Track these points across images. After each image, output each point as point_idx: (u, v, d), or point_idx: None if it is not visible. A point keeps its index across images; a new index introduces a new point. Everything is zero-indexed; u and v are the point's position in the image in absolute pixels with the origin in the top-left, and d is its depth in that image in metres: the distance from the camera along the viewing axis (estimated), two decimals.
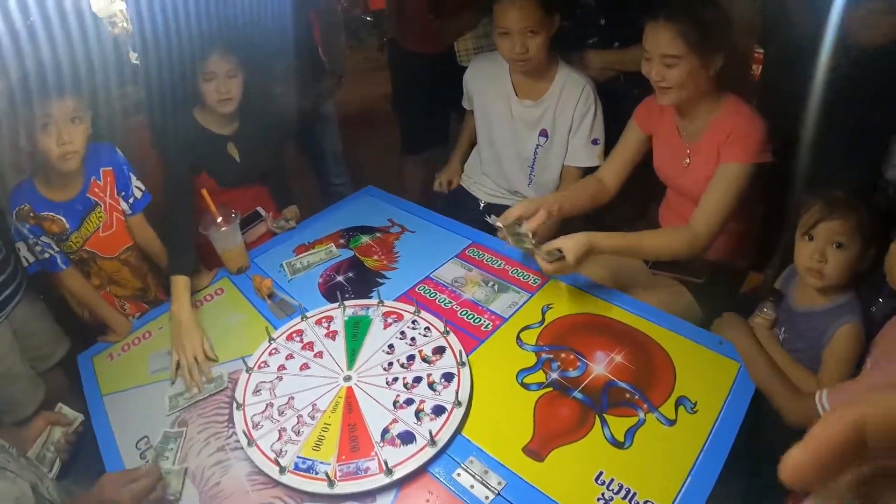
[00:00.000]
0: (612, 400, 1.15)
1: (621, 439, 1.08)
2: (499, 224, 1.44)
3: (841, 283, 1.17)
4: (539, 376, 1.22)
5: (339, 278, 1.59)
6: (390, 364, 1.28)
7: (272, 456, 1.12)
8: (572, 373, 1.22)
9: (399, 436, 1.12)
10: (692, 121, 1.47)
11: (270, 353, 1.36)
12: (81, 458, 1.27)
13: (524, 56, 1.64)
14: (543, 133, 1.80)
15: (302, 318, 1.44)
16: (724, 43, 1.34)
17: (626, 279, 1.57)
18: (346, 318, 1.42)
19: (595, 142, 1.77)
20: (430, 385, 1.22)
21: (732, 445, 1.04)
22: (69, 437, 1.26)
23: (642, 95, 1.58)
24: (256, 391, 1.27)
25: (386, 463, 1.05)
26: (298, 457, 1.12)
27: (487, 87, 1.85)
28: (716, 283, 1.53)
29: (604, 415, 1.12)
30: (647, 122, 1.59)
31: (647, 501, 0.97)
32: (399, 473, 1.05)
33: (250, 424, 1.19)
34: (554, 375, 1.22)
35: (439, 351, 1.29)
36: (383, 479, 1.05)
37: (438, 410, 1.16)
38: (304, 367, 1.32)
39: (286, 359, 1.34)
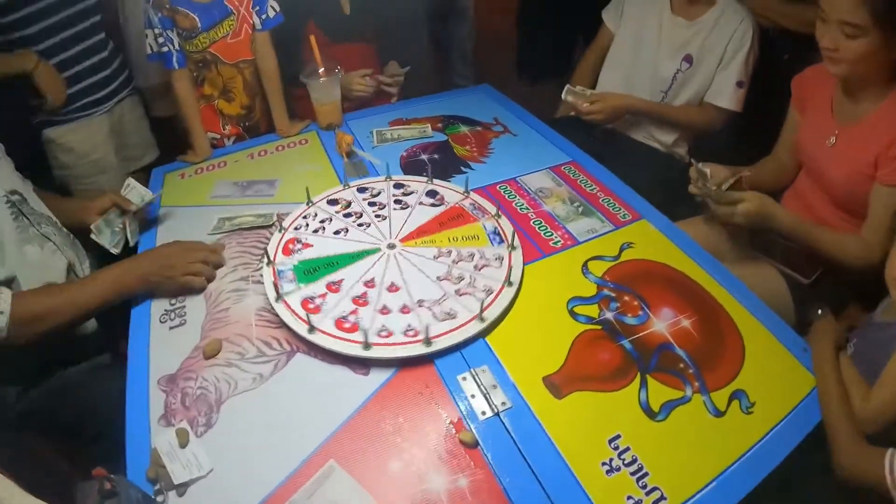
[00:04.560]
0: (661, 364, 0.97)
1: (656, 409, 0.90)
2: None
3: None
4: (592, 310, 1.06)
5: (423, 156, 1.50)
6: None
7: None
8: (630, 319, 1.04)
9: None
10: (853, 101, 1.18)
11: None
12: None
13: None
14: (688, 59, 1.57)
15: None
16: None
17: (718, 248, 1.32)
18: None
19: (740, 84, 1.54)
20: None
21: (776, 468, 0.84)
22: (131, 217, 1.26)
23: (792, 64, 1.30)
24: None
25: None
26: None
27: None
28: (824, 290, 1.25)
29: (647, 375, 0.95)
30: (800, 99, 1.32)
31: (656, 489, 0.80)
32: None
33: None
34: (608, 315, 1.05)
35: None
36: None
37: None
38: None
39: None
